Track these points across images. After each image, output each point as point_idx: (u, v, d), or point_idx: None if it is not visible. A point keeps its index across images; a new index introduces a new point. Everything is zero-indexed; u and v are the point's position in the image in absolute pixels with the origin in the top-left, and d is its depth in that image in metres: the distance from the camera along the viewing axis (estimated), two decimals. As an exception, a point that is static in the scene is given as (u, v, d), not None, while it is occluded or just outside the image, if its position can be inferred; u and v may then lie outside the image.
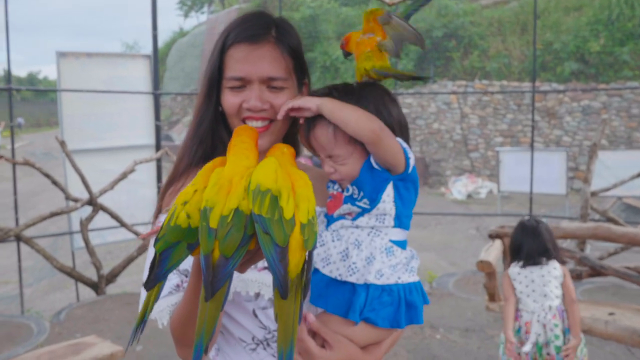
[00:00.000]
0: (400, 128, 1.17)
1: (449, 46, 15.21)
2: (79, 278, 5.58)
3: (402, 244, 1.14)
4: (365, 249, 1.10)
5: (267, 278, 1.13)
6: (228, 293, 0.88)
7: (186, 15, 33.98)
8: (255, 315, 1.18)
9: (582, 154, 12.86)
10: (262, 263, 1.13)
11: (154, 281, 0.91)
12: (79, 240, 5.78)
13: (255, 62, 1.20)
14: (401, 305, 1.09)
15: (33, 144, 25.70)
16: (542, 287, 2.94)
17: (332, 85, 1.20)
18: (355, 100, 1.13)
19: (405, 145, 1.14)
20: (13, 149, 5.78)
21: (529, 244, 3.05)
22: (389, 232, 1.13)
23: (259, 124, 1.22)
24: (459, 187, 13.14)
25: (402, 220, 1.14)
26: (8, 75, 5.67)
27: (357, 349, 1.09)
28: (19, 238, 5.34)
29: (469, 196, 12.97)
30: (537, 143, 12.84)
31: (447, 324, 4.87)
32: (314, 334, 1.08)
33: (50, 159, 16.98)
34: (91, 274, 5.74)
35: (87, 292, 5.91)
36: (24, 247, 5.55)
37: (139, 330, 0.92)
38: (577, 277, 4.12)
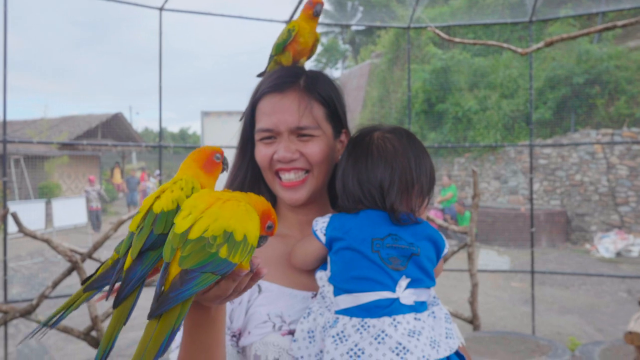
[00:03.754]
0: (430, 181, 1.17)
1: (592, 93, 14.23)
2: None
3: (353, 311, 1.06)
4: (318, 335, 1.07)
5: (288, 344, 1.10)
6: (134, 304, 0.80)
7: (321, 72, 35.65)
8: None
9: None
10: (288, 326, 1.11)
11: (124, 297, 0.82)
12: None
13: (282, 112, 1.18)
14: None
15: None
16: None
17: (366, 140, 1.18)
18: (393, 155, 1.14)
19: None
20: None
21: None
22: (334, 302, 1.09)
23: (292, 176, 1.19)
24: (607, 244, 11.97)
25: (342, 284, 1.07)
26: (160, 134, 6.28)
27: None
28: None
29: (619, 254, 11.75)
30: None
31: (593, 399, 4.37)
32: None
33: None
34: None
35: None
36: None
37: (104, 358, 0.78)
38: None
